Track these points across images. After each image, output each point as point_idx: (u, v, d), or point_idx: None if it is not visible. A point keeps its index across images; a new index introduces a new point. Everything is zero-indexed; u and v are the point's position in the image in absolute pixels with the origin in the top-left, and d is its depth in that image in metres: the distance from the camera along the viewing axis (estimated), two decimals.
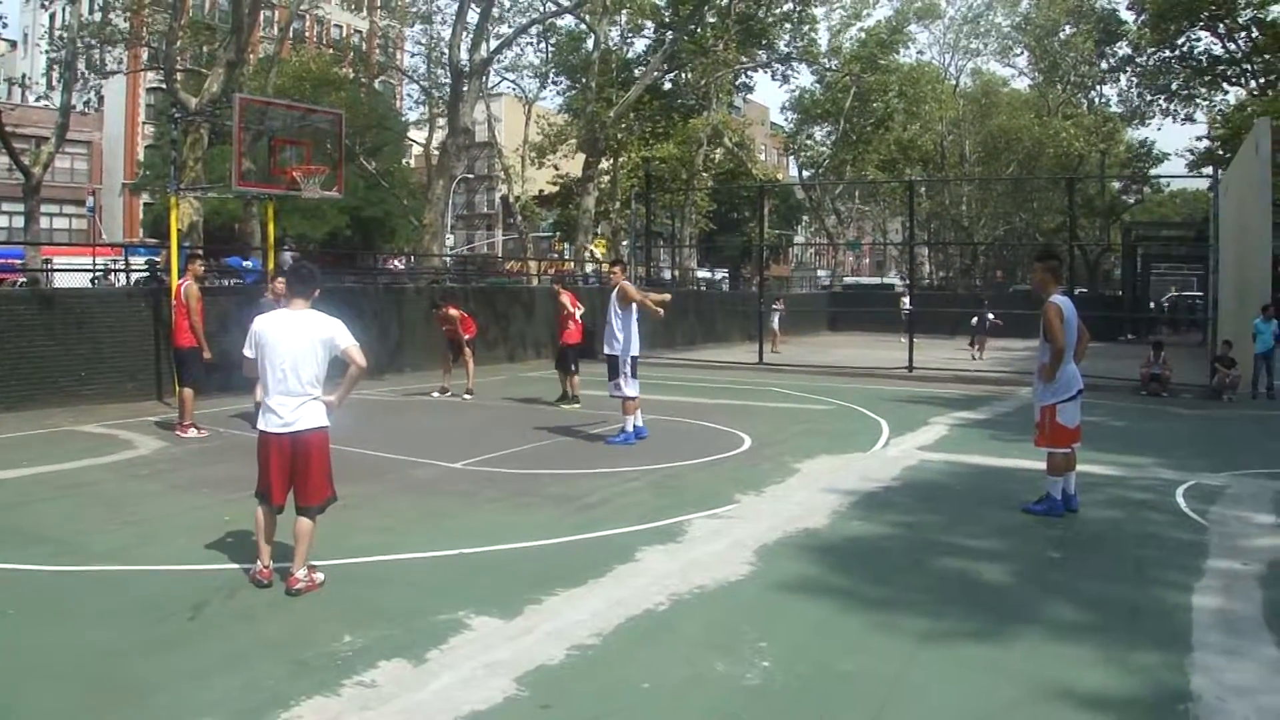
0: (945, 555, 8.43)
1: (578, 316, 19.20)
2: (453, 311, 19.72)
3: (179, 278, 15.95)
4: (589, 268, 41.55)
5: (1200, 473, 12.19)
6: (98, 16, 36.12)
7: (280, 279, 18.47)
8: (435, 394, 19.88)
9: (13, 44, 70.66)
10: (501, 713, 5.27)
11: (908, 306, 41.18)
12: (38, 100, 50.46)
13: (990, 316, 35.35)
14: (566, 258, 53.70)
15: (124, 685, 5.59)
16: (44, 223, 45.12)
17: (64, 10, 44.69)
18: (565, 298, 19.34)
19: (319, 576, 7.29)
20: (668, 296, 16.39)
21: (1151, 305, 51.16)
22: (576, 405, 18.50)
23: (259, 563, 7.32)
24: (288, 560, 7.26)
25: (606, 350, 14.35)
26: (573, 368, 19.00)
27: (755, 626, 6.57)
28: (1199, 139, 54.23)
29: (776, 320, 35.25)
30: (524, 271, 44.75)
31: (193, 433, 14.34)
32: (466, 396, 19.56)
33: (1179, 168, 57.75)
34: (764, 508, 10.08)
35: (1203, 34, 43.00)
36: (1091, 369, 10.60)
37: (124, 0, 34.12)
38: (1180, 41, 44.42)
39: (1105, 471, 12.07)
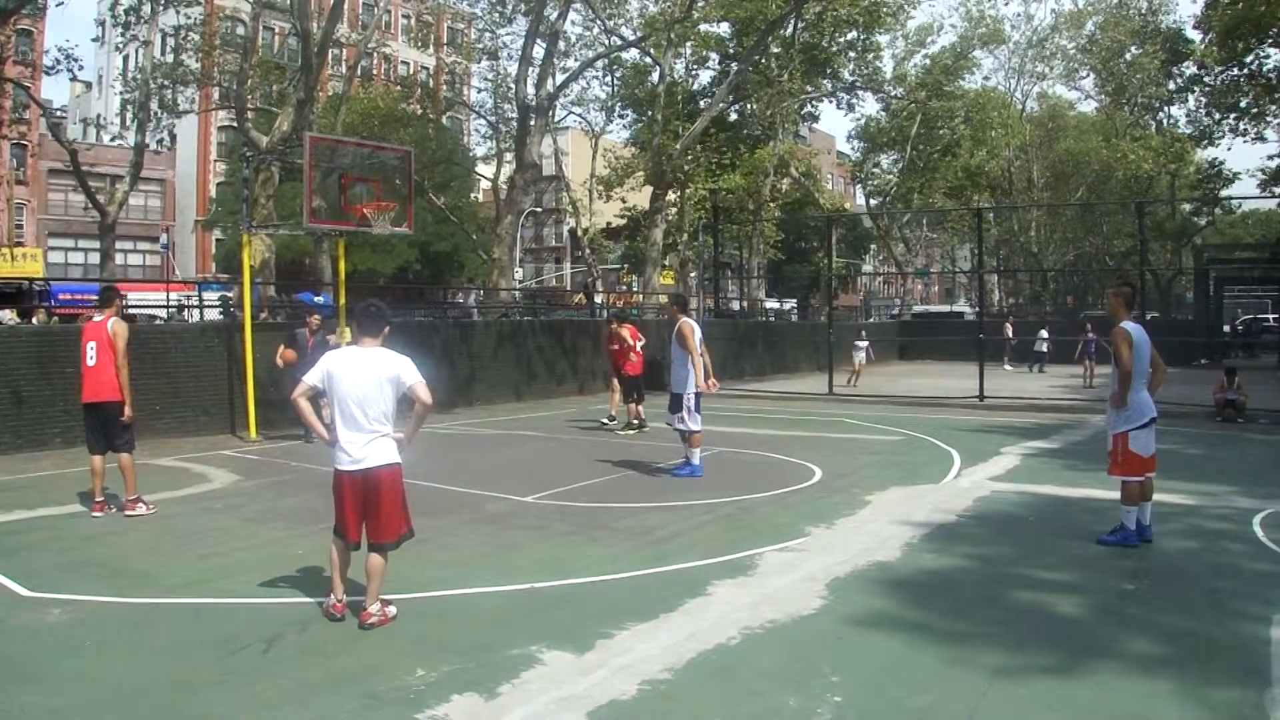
0: (1019, 588, 8.33)
1: (638, 348, 19.66)
2: (623, 331, 19.89)
3: (105, 315, 11.51)
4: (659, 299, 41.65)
5: (1278, 501, 11.93)
6: (170, 58, 36.79)
7: (316, 315, 18.70)
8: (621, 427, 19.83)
9: (88, 85, 72.20)
10: None
11: (1011, 335, 40.98)
12: (112, 140, 51.65)
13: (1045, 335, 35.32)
14: (634, 289, 53.80)
15: (197, 717, 5.66)
16: (119, 259, 46.31)
17: (137, 52, 45.50)
18: (625, 331, 19.52)
19: (391, 610, 7.34)
20: (714, 385, 14.90)
21: (1225, 329, 50.33)
22: (644, 430, 18.99)
23: (332, 596, 7.39)
24: (361, 594, 7.32)
25: (672, 386, 14.27)
26: (635, 396, 19.55)
27: (827, 661, 6.52)
28: (1270, 158, 53.19)
29: (863, 356, 32.95)
30: (591, 305, 44.91)
31: (141, 509, 11.44)
32: (605, 421, 20.01)
33: (1250, 188, 56.76)
34: (835, 541, 10.03)
35: (1272, 50, 42.21)
36: (1164, 395, 10.45)
37: (195, 42, 34.76)
38: (1249, 59, 43.70)
39: (1180, 500, 11.88)
